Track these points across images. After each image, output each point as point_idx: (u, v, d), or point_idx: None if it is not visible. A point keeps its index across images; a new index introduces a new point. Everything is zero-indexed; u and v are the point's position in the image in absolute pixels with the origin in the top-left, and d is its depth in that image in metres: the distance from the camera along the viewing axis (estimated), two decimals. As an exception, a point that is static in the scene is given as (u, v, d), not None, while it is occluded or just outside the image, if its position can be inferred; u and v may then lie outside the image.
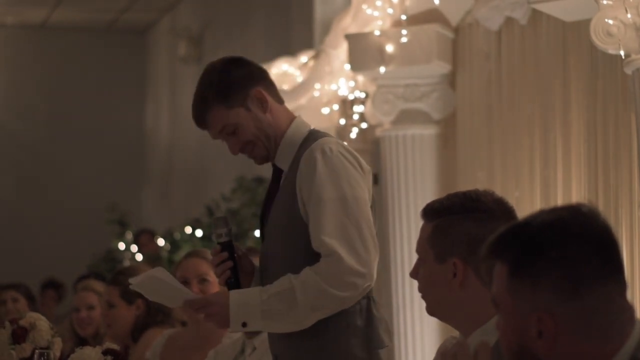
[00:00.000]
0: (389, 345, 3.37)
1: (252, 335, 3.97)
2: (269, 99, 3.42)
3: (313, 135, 3.40)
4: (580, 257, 1.96)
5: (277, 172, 3.44)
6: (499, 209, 2.68)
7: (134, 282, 3.38)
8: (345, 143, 3.41)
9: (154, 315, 4.97)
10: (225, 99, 3.39)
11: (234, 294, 3.29)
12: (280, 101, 3.48)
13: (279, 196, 3.39)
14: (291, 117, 3.47)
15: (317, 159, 3.27)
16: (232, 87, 3.40)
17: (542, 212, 2.04)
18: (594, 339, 1.95)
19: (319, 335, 3.28)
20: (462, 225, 2.65)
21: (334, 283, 3.20)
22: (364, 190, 3.31)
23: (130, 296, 4.92)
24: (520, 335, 1.99)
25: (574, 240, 1.97)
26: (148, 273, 3.39)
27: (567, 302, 1.95)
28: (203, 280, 4.35)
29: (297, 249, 3.30)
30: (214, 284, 4.31)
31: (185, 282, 4.26)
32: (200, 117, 3.44)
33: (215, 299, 3.33)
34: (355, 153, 3.37)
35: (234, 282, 3.36)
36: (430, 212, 2.72)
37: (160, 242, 9.91)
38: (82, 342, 5.33)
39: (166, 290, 3.36)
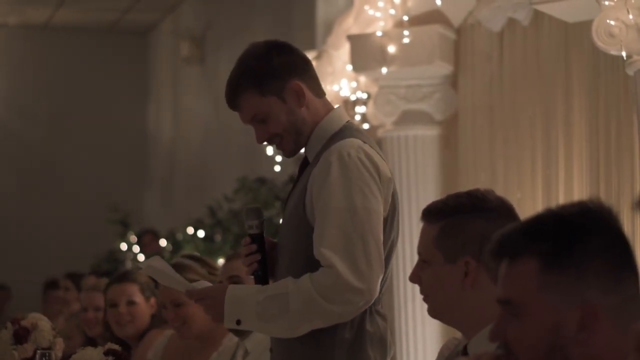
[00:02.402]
0: None
1: (243, 336, 3.95)
2: (308, 93, 3.27)
3: (343, 132, 3.24)
4: (617, 244, 1.89)
5: (305, 160, 3.32)
6: (504, 206, 2.66)
7: (143, 269, 3.40)
8: (369, 147, 3.20)
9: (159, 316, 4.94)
10: (261, 86, 3.24)
11: (232, 290, 3.23)
12: (321, 94, 3.33)
13: (296, 188, 3.29)
14: (329, 110, 3.32)
15: (332, 164, 3.12)
16: (270, 76, 3.24)
17: (561, 207, 1.94)
18: (626, 331, 1.83)
19: (305, 340, 3.18)
20: (474, 224, 2.61)
21: (327, 296, 3.08)
22: (378, 202, 3.14)
23: (149, 292, 4.91)
24: (553, 334, 1.85)
25: (608, 228, 1.89)
26: (146, 262, 3.39)
27: (610, 292, 1.85)
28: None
29: (300, 248, 3.21)
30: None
31: None
32: (233, 100, 3.31)
33: (214, 293, 3.26)
34: (377, 159, 3.19)
35: (261, 275, 3.29)
36: (435, 213, 2.67)
37: (162, 242, 9.91)
38: (89, 342, 5.33)
39: (167, 277, 3.36)
